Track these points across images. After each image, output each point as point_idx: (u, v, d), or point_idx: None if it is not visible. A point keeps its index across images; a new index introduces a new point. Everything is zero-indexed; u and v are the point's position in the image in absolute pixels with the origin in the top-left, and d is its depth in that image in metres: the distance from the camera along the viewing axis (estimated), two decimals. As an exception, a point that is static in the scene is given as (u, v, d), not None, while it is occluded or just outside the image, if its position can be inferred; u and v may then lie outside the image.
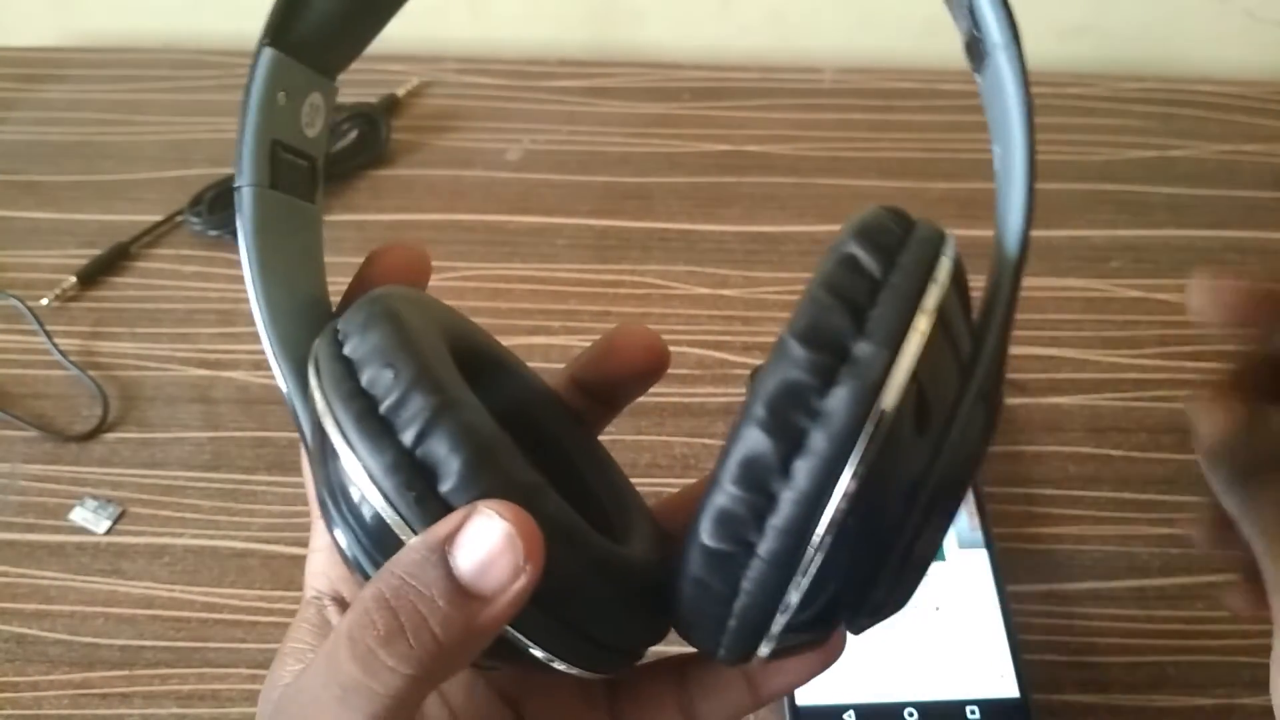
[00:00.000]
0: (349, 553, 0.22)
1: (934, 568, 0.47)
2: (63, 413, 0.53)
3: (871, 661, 0.43)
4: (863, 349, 0.20)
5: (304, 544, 0.48)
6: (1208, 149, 0.67)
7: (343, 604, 0.26)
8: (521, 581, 0.20)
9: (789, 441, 0.20)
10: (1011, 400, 0.53)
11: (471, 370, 0.24)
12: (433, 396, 0.21)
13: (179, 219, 0.62)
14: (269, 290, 0.25)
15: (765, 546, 0.20)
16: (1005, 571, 0.46)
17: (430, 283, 0.66)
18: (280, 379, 0.24)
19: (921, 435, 0.20)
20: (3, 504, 0.50)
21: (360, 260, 0.28)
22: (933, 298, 0.21)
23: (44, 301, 0.57)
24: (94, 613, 0.46)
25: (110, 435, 0.52)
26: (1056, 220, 0.62)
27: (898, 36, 0.75)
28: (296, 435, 0.55)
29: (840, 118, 0.69)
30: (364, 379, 0.22)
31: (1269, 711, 0.44)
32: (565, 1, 0.75)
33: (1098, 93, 0.71)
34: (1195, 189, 0.65)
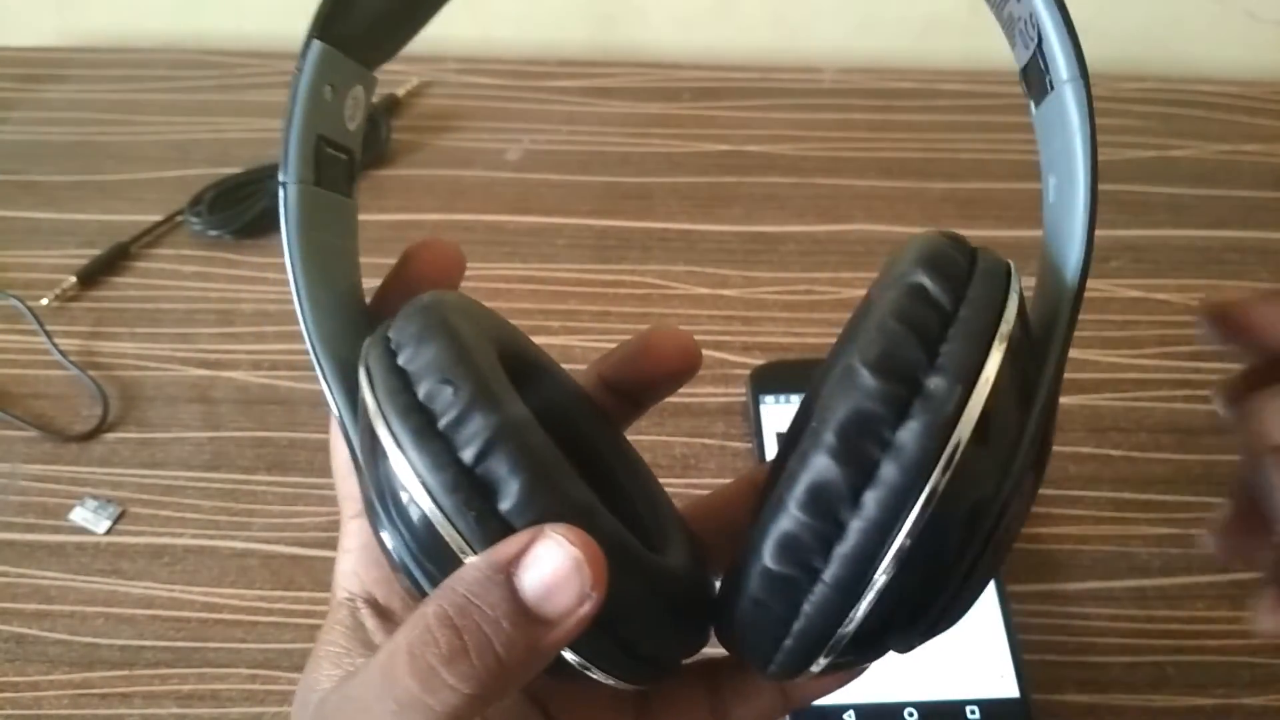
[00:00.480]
0: (396, 557, 0.22)
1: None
2: (63, 413, 0.53)
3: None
4: (936, 383, 0.20)
5: (303, 544, 0.48)
6: (1208, 149, 0.67)
7: (375, 606, 0.26)
8: (586, 607, 0.20)
9: (860, 471, 0.20)
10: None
11: (515, 376, 0.24)
12: (492, 415, 0.21)
13: (179, 219, 0.62)
14: (311, 288, 0.25)
15: (831, 573, 0.21)
16: (1005, 571, 0.46)
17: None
18: (322, 376, 0.24)
19: (987, 468, 0.21)
20: (3, 504, 0.50)
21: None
22: (1003, 334, 0.21)
23: (44, 301, 0.57)
24: (94, 613, 0.46)
25: (110, 435, 0.52)
26: (1056, 220, 0.62)
27: (898, 36, 0.75)
28: (296, 435, 0.55)
29: (840, 118, 0.69)
30: (421, 393, 0.22)
31: (1269, 711, 0.44)
32: (565, 1, 0.75)
33: (1098, 93, 0.70)
34: (1195, 189, 0.65)
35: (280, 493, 0.50)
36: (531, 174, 0.65)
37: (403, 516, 0.21)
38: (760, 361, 0.54)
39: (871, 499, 0.20)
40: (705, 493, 0.31)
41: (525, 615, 0.20)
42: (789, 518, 0.21)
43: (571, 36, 0.76)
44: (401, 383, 0.22)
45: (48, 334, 0.55)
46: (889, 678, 0.42)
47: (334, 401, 0.24)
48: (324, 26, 0.25)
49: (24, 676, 0.44)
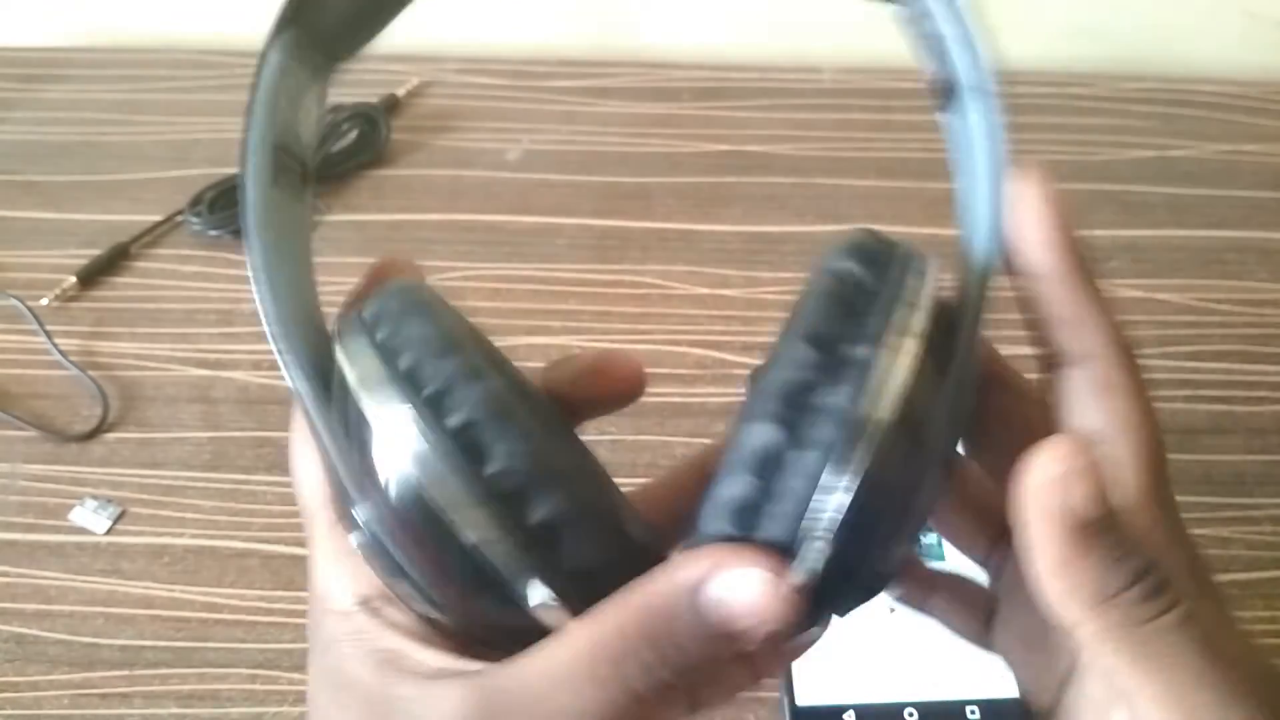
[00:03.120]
0: (368, 528, 0.22)
1: (935, 567, 0.47)
2: (63, 413, 0.53)
3: (871, 661, 0.43)
4: (865, 352, 0.22)
5: (303, 544, 0.48)
6: (1208, 149, 0.67)
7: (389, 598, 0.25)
8: (770, 627, 0.21)
9: (795, 435, 0.21)
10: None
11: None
12: (477, 384, 0.22)
13: (179, 219, 0.62)
14: (274, 286, 0.25)
15: (769, 531, 0.22)
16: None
17: (430, 282, 0.66)
18: (290, 375, 0.24)
19: (914, 431, 0.22)
20: (3, 504, 0.50)
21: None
22: (924, 310, 0.23)
23: (44, 301, 0.57)
24: (94, 613, 0.46)
25: (110, 435, 0.52)
26: (1056, 220, 0.62)
27: (898, 36, 0.75)
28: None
29: (840, 118, 0.69)
30: (404, 365, 0.22)
31: (1269, 711, 0.44)
32: (565, 1, 0.75)
33: (1098, 93, 0.71)
34: (1195, 189, 0.65)
35: (280, 493, 0.50)
36: (531, 174, 0.65)
37: (382, 483, 0.22)
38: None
39: (802, 463, 0.21)
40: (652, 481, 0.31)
41: (715, 637, 0.21)
42: (727, 485, 0.22)
43: (571, 36, 0.76)
44: (385, 356, 0.22)
45: (48, 334, 0.55)
46: (889, 678, 0.42)
47: (301, 393, 0.24)
48: (286, 25, 0.25)
49: (24, 676, 0.44)
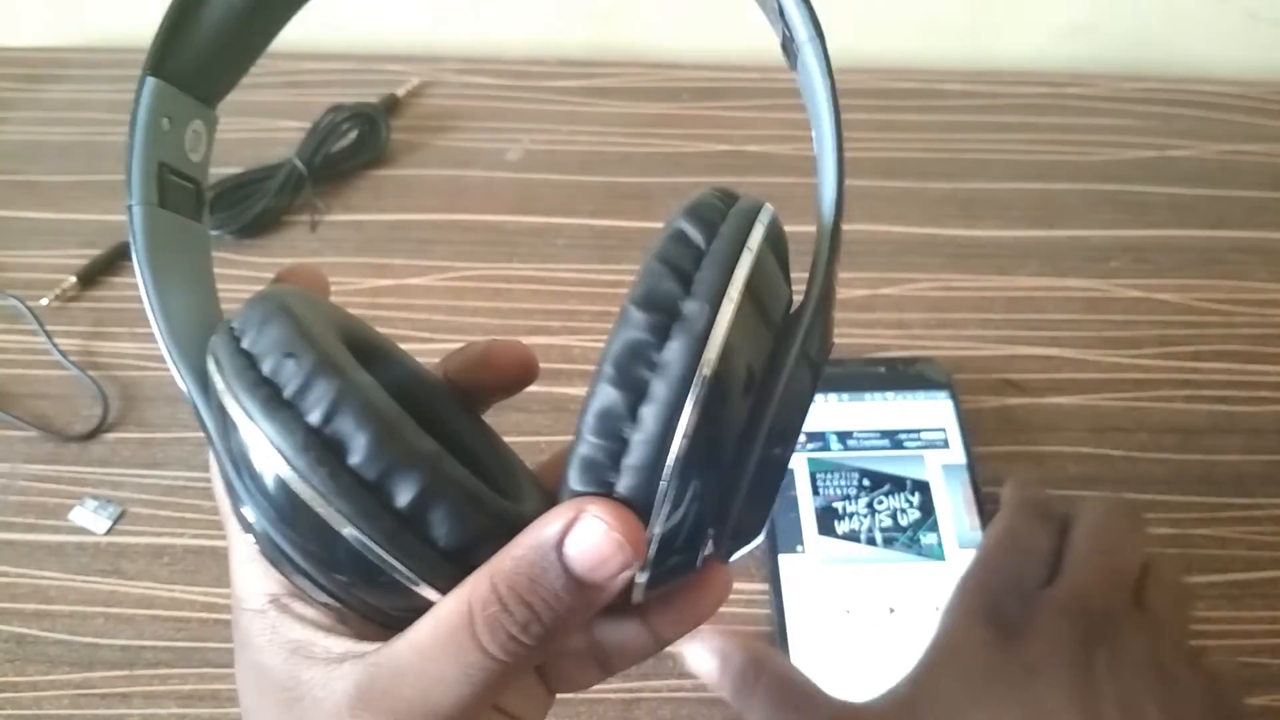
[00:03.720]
0: (259, 528, 0.24)
1: (933, 567, 0.47)
2: (63, 413, 0.53)
3: (871, 661, 0.43)
4: (690, 307, 0.23)
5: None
6: (1208, 149, 0.68)
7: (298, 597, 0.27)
8: (631, 571, 0.23)
9: (634, 392, 0.23)
10: (1011, 400, 0.53)
11: (360, 358, 0.26)
12: (335, 380, 0.23)
13: (179, 219, 0.62)
14: (164, 299, 0.27)
15: (623, 484, 0.23)
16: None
17: (430, 282, 0.66)
18: (181, 382, 0.26)
19: (750, 373, 0.23)
20: (3, 504, 0.50)
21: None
22: (747, 260, 0.24)
23: (44, 301, 0.57)
24: (94, 613, 0.46)
25: (110, 435, 0.52)
26: (1056, 220, 0.62)
27: (898, 36, 0.75)
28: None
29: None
30: (266, 369, 0.24)
31: (1269, 711, 0.44)
32: (565, 1, 0.75)
33: (1098, 93, 0.71)
34: (1195, 189, 0.65)
35: (280, 493, 0.50)
36: (531, 174, 0.65)
37: (259, 485, 0.23)
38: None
39: (647, 413, 0.23)
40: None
41: (580, 585, 0.23)
42: (583, 443, 0.23)
43: (571, 36, 0.76)
44: (247, 362, 0.24)
45: (48, 334, 0.55)
46: (889, 677, 0.42)
47: (195, 405, 0.25)
48: (156, 63, 0.27)
49: (24, 676, 0.44)
